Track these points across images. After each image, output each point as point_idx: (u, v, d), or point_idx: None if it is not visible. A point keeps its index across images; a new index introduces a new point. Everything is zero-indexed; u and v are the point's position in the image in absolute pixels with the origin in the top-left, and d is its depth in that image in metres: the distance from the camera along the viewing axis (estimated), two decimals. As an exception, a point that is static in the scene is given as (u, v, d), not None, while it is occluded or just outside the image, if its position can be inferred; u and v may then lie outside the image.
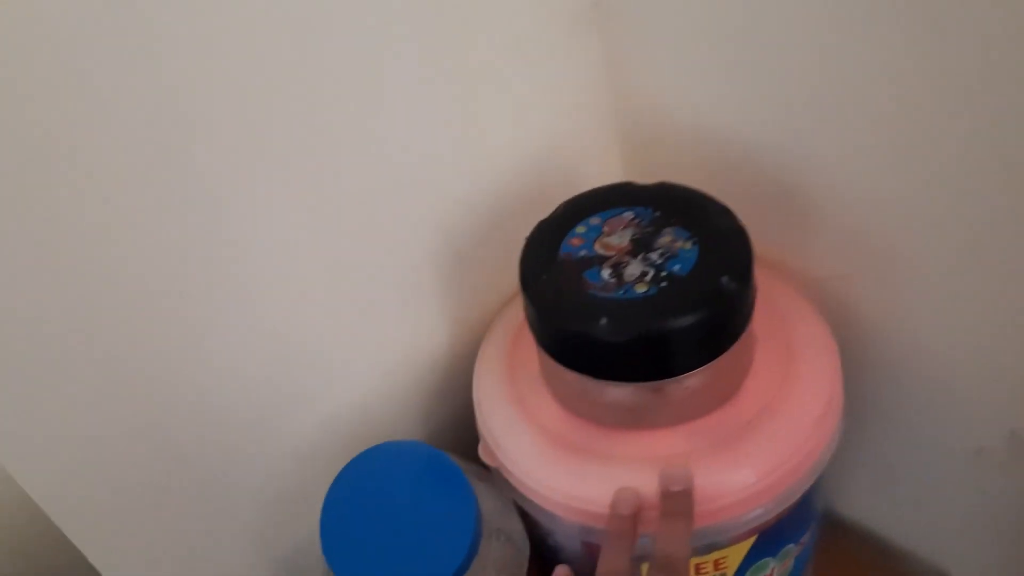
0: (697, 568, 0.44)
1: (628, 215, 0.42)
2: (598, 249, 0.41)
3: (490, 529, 0.45)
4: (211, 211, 0.37)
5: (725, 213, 0.41)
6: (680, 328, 0.37)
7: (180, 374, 0.39)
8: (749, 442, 0.41)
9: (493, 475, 0.46)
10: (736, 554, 0.43)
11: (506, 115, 0.48)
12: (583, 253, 0.41)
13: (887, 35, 0.38)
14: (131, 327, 0.36)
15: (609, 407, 0.41)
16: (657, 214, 0.42)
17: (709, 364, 0.39)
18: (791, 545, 0.46)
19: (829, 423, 0.43)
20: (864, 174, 0.44)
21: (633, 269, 0.39)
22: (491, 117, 0.48)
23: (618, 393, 0.40)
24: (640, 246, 0.40)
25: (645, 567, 0.42)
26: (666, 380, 0.39)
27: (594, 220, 0.42)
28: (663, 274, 0.38)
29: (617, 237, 0.41)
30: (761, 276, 0.41)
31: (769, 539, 0.44)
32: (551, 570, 0.42)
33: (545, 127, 0.51)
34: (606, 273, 0.39)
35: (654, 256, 0.40)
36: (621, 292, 0.38)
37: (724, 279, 0.37)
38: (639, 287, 0.38)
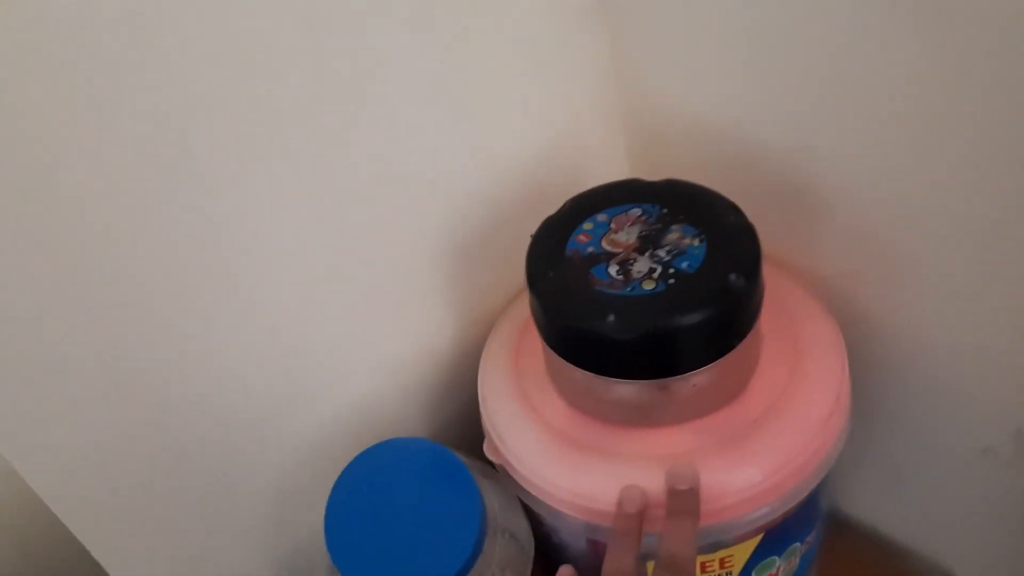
0: (703, 566, 0.43)
1: (635, 212, 0.42)
2: (605, 246, 0.41)
3: (495, 527, 0.45)
4: (216, 210, 0.37)
5: (733, 210, 0.41)
6: (688, 325, 0.36)
7: (184, 373, 0.39)
8: (756, 440, 0.41)
9: (498, 472, 0.46)
10: (742, 553, 0.43)
11: (512, 112, 0.48)
12: (590, 250, 0.41)
13: (898, 33, 0.38)
14: (135, 326, 0.36)
15: (615, 404, 0.41)
16: (664, 211, 0.42)
17: (716, 362, 0.39)
18: (797, 544, 0.46)
19: (836, 422, 0.42)
20: (873, 172, 0.43)
21: (641, 266, 0.39)
22: (497, 114, 0.47)
23: (624, 390, 0.40)
24: (648, 243, 0.40)
25: (650, 565, 0.42)
26: (673, 378, 0.39)
27: (601, 217, 0.42)
28: (671, 271, 0.38)
29: (624, 234, 0.41)
30: (768, 274, 0.41)
31: (775, 538, 0.44)
32: (555, 568, 0.42)
33: (551, 124, 0.51)
34: (613, 270, 0.39)
35: (662, 253, 0.39)
36: (628, 289, 0.38)
37: (732, 276, 0.37)
38: (647, 284, 0.38)
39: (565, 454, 0.42)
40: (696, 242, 0.39)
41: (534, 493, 0.43)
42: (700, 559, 0.43)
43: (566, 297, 0.39)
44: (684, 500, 0.39)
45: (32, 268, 0.32)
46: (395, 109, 0.42)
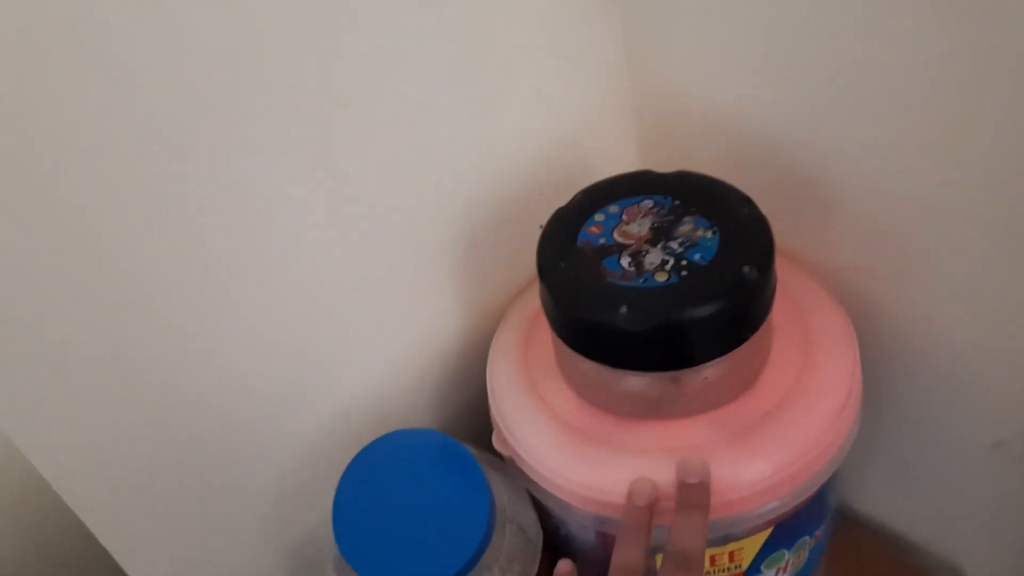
0: (712, 560, 0.43)
1: (647, 203, 0.42)
2: (617, 237, 0.40)
3: (503, 519, 0.45)
4: (224, 202, 0.37)
5: (746, 202, 0.41)
6: (701, 318, 0.36)
7: (194, 365, 0.39)
8: (767, 434, 0.41)
9: (507, 464, 0.46)
10: (752, 546, 0.43)
11: (523, 102, 0.48)
12: (602, 241, 0.40)
13: (914, 25, 0.37)
14: (139, 321, 0.36)
15: (626, 396, 0.41)
16: (677, 203, 0.41)
17: (728, 354, 0.39)
18: (806, 537, 0.46)
19: (848, 416, 0.42)
20: (886, 166, 0.43)
21: (653, 258, 0.39)
22: (508, 104, 0.47)
23: (635, 382, 0.40)
24: (660, 235, 0.40)
25: (659, 558, 0.42)
26: (685, 370, 0.39)
27: (613, 208, 0.42)
28: (683, 263, 0.38)
29: (636, 225, 0.41)
30: (780, 267, 0.40)
31: (785, 531, 0.44)
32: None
33: (563, 115, 0.50)
34: (625, 261, 0.39)
35: (674, 245, 0.39)
36: (641, 281, 0.38)
37: (746, 268, 0.37)
38: (659, 276, 0.38)
39: (575, 446, 0.42)
40: (709, 234, 0.39)
41: (543, 485, 0.43)
42: (709, 552, 0.43)
43: (578, 289, 0.39)
44: (694, 493, 0.39)
45: (38, 265, 0.32)
46: (404, 99, 0.42)
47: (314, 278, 0.42)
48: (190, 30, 0.33)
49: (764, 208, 0.41)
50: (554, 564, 0.41)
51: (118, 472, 0.38)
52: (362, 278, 0.45)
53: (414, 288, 0.48)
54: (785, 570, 0.46)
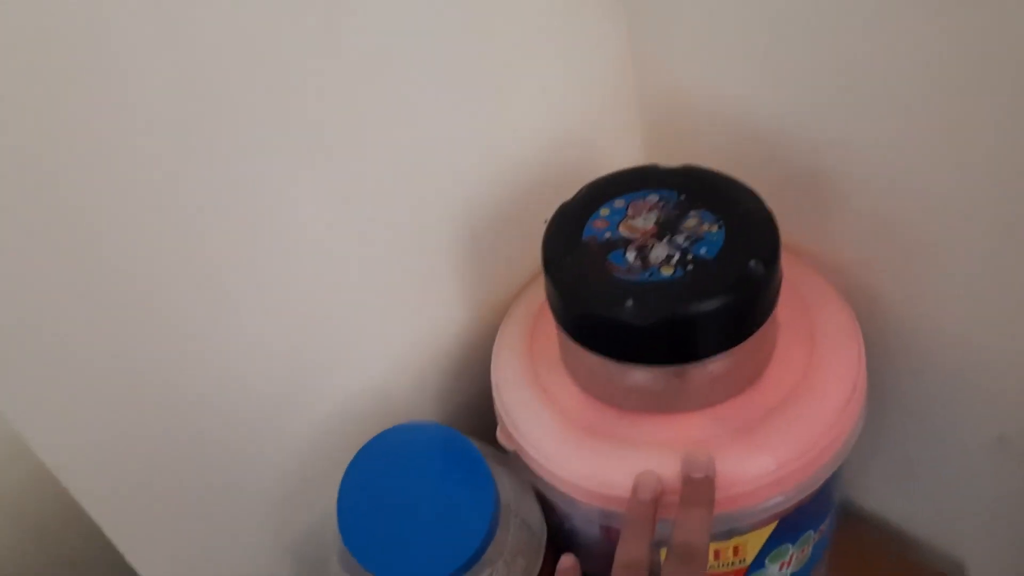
0: (716, 554, 0.43)
1: (653, 198, 0.42)
2: (623, 232, 0.40)
3: (507, 514, 0.45)
4: (226, 200, 0.37)
5: (752, 197, 0.41)
6: (707, 312, 0.36)
7: (197, 363, 0.39)
8: (771, 429, 0.41)
9: (511, 459, 0.46)
10: (756, 540, 0.43)
11: (528, 97, 0.48)
12: (607, 236, 0.40)
13: (920, 20, 0.37)
14: (146, 320, 0.36)
15: (631, 391, 0.41)
16: (682, 197, 0.41)
17: (733, 349, 0.39)
18: (810, 532, 0.46)
19: (852, 411, 0.42)
20: (891, 161, 0.43)
21: (659, 252, 0.39)
22: (512, 100, 0.47)
23: (641, 377, 0.40)
24: (666, 229, 0.40)
25: (664, 552, 0.42)
26: (690, 364, 0.39)
27: (618, 203, 0.42)
28: (689, 257, 0.38)
29: (642, 220, 0.41)
30: (785, 262, 0.40)
31: (789, 526, 0.44)
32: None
33: (568, 110, 0.50)
34: (631, 256, 0.39)
35: (680, 239, 0.39)
36: (647, 275, 0.38)
37: (752, 263, 0.37)
38: (665, 270, 0.38)
39: (579, 440, 0.42)
40: (715, 228, 0.39)
41: (547, 479, 0.43)
42: (714, 546, 0.43)
43: (583, 283, 0.39)
44: (699, 488, 0.39)
45: (40, 266, 0.32)
46: (410, 94, 0.41)
47: (319, 272, 0.42)
48: (191, 28, 0.32)
49: (769, 204, 0.41)
50: (558, 558, 0.41)
51: (125, 468, 0.38)
52: (366, 274, 0.45)
53: (418, 283, 0.48)
54: (789, 565, 0.46)
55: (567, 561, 0.42)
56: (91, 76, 0.30)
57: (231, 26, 0.34)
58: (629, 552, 0.38)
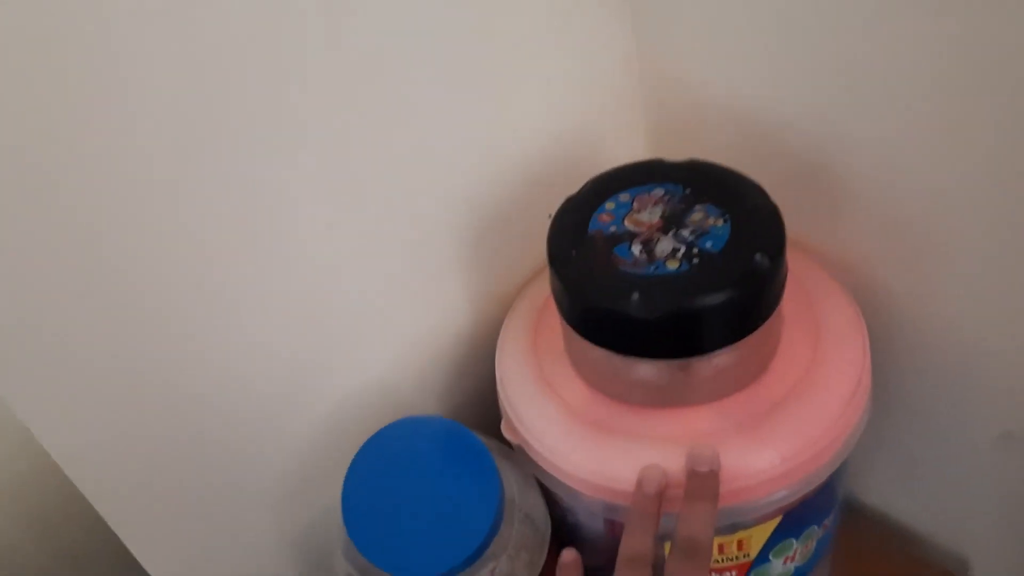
0: (721, 548, 0.43)
1: (658, 192, 0.42)
2: (628, 225, 0.40)
3: (512, 508, 0.45)
4: (233, 195, 0.37)
5: (757, 191, 0.41)
6: (713, 305, 0.36)
7: (205, 352, 0.39)
8: (776, 423, 0.41)
9: (515, 453, 0.46)
10: (760, 535, 0.43)
11: (532, 93, 0.48)
12: (613, 229, 0.40)
13: (929, 17, 0.37)
14: (152, 306, 0.36)
15: (636, 385, 0.41)
16: (688, 191, 0.41)
17: (739, 343, 0.39)
18: (815, 527, 0.46)
19: (857, 406, 0.42)
20: (899, 157, 0.43)
21: (664, 246, 0.39)
22: (517, 95, 0.47)
23: (646, 370, 0.40)
24: (671, 223, 0.40)
25: (668, 546, 0.42)
26: (695, 358, 0.39)
27: (623, 196, 0.42)
28: (695, 251, 0.38)
29: (647, 214, 0.41)
30: (790, 257, 0.40)
31: (793, 521, 0.44)
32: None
33: (572, 105, 0.50)
34: (636, 249, 0.39)
35: (685, 233, 0.39)
36: (652, 268, 0.38)
37: (757, 256, 0.37)
38: (671, 264, 0.38)
39: (584, 434, 0.42)
40: (720, 222, 0.39)
41: (552, 473, 0.43)
42: (718, 540, 0.43)
43: (589, 276, 0.39)
44: (704, 482, 0.39)
45: (41, 266, 0.32)
46: (413, 91, 0.41)
47: (322, 268, 0.42)
48: (192, 28, 0.32)
49: (774, 199, 0.41)
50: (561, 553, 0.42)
51: (132, 465, 0.39)
52: (369, 270, 0.45)
53: (423, 277, 0.48)
54: (793, 559, 0.46)
55: (569, 555, 0.42)
56: (91, 76, 0.30)
57: (231, 25, 0.33)
58: (633, 545, 0.38)
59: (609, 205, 0.42)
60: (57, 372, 0.34)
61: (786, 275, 0.40)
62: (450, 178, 0.46)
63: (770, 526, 0.43)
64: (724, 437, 0.40)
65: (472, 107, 0.45)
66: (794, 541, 0.45)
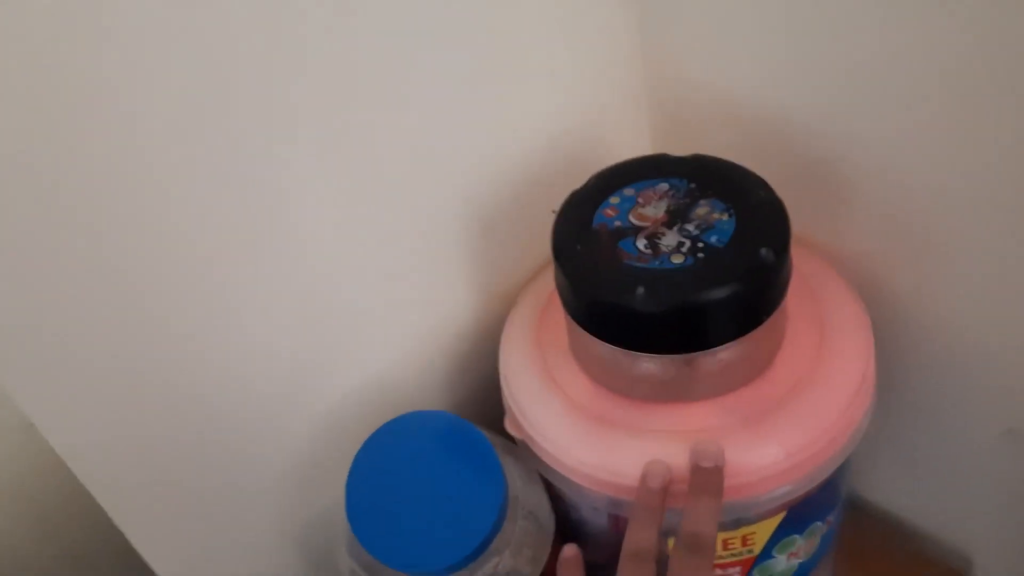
0: (725, 544, 0.43)
1: (663, 186, 0.42)
2: (633, 220, 0.40)
3: (515, 504, 0.45)
4: (236, 191, 0.37)
5: (762, 185, 0.41)
6: (718, 299, 0.36)
7: (209, 346, 0.39)
8: (780, 418, 0.40)
9: (518, 448, 0.46)
10: (764, 530, 0.43)
11: (537, 86, 0.48)
12: (617, 224, 0.40)
13: (936, 13, 0.37)
14: (158, 300, 0.36)
15: (640, 380, 0.41)
16: (692, 186, 0.41)
17: (744, 337, 0.38)
18: (818, 523, 0.46)
19: (861, 402, 0.42)
20: (903, 157, 0.43)
21: (669, 240, 0.39)
22: (523, 88, 0.47)
23: (650, 365, 0.40)
24: (676, 217, 0.40)
25: (671, 541, 0.42)
26: (700, 353, 0.39)
27: (628, 191, 0.42)
28: (700, 245, 0.38)
29: (652, 208, 0.41)
30: (794, 253, 0.40)
31: (797, 516, 0.44)
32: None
33: (576, 99, 0.50)
34: (641, 244, 0.39)
35: (690, 227, 0.39)
36: (657, 263, 0.38)
37: (763, 251, 0.37)
38: (675, 258, 0.38)
39: (589, 429, 0.42)
40: (725, 217, 0.39)
41: (556, 468, 0.43)
42: (722, 536, 0.43)
43: (594, 270, 0.38)
44: (708, 477, 0.39)
45: (41, 266, 0.32)
46: (416, 85, 0.41)
47: (328, 261, 0.42)
48: (194, 24, 0.32)
49: (779, 194, 0.40)
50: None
51: (137, 459, 0.39)
52: (374, 262, 0.45)
53: (426, 272, 0.48)
54: (797, 555, 0.46)
55: (569, 551, 0.42)
56: (91, 73, 0.30)
57: (232, 23, 0.33)
58: (637, 540, 0.38)
59: (614, 200, 0.42)
60: (60, 370, 0.34)
61: (791, 270, 0.40)
62: (453, 175, 0.46)
63: (774, 522, 0.43)
64: (728, 432, 0.40)
65: (476, 105, 0.45)
66: (798, 537, 0.45)
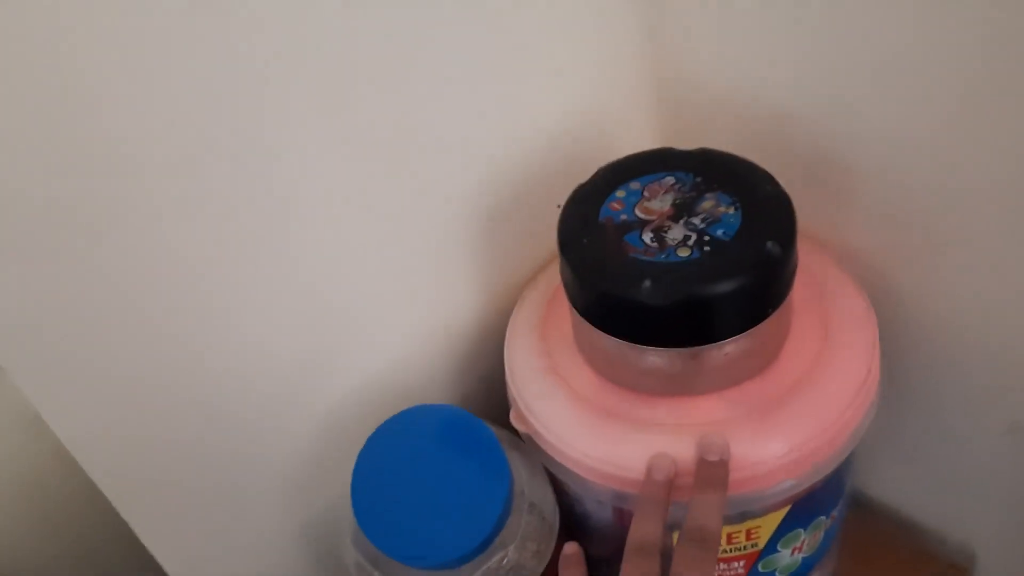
0: (729, 538, 0.43)
1: (669, 180, 0.42)
2: (639, 213, 0.40)
3: (521, 498, 0.45)
4: (244, 183, 0.37)
5: (768, 179, 0.41)
6: (724, 292, 0.36)
7: (216, 340, 0.39)
8: (785, 412, 0.41)
9: (524, 442, 0.46)
10: (769, 524, 0.43)
11: (543, 80, 0.48)
12: (623, 217, 0.40)
13: (941, 11, 0.37)
14: (161, 296, 0.36)
15: (646, 373, 0.41)
16: (698, 179, 0.41)
17: (749, 331, 0.39)
18: (823, 518, 0.46)
19: (866, 396, 0.42)
20: (910, 153, 0.43)
21: (675, 233, 0.39)
22: (529, 82, 0.47)
23: (656, 359, 0.40)
24: (682, 211, 0.40)
25: (676, 535, 0.42)
26: (706, 346, 0.39)
27: (634, 185, 0.42)
28: (706, 238, 0.38)
29: (658, 202, 0.41)
30: (799, 247, 0.40)
31: (802, 510, 0.44)
32: (577, 540, 0.42)
33: (582, 94, 0.50)
34: (648, 237, 0.39)
35: (696, 221, 0.39)
36: (663, 256, 0.38)
37: (769, 244, 0.37)
38: (682, 251, 0.38)
39: (594, 422, 0.42)
40: (731, 210, 0.39)
41: (561, 461, 0.43)
42: (727, 530, 0.43)
43: (600, 263, 0.39)
44: (714, 471, 0.39)
45: (50, 259, 0.32)
46: (423, 79, 0.41)
47: (333, 256, 0.42)
48: (196, 21, 0.32)
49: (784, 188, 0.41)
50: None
51: (143, 451, 0.39)
52: (381, 256, 0.45)
53: (433, 266, 0.48)
54: (801, 550, 0.46)
55: (571, 548, 0.42)
56: (92, 72, 0.30)
57: (237, 19, 0.33)
58: (642, 533, 0.38)
59: (620, 193, 0.42)
60: (67, 367, 0.34)
61: (797, 264, 0.40)
62: (458, 169, 0.46)
63: (779, 516, 0.43)
64: (734, 426, 0.40)
65: (482, 96, 0.45)
66: (802, 531, 0.45)
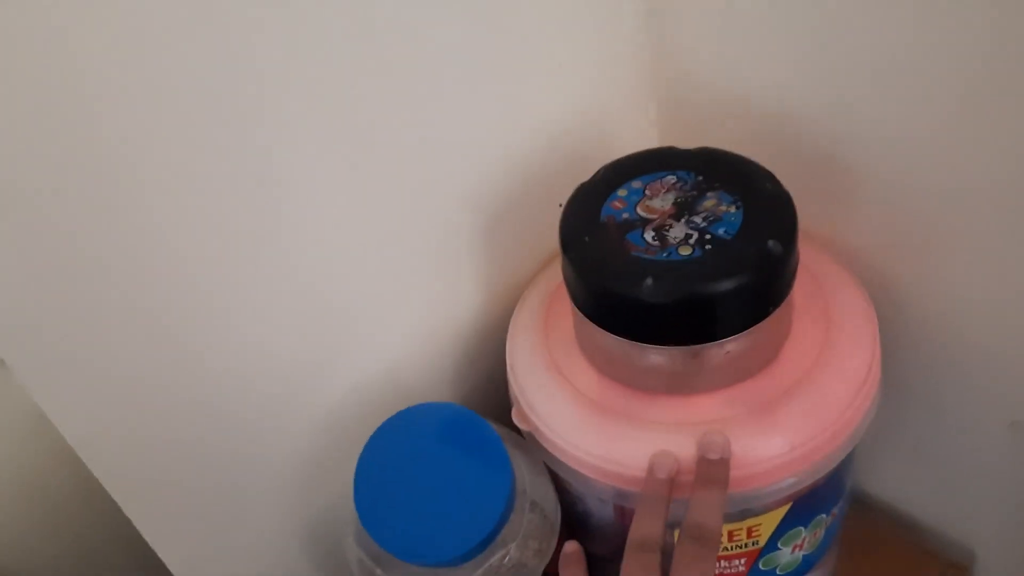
0: (730, 535, 0.44)
1: (670, 179, 0.42)
2: (640, 212, 0.40)
3: (523, 496, 0.45)
4: (245, 183, 0.37)
5: (769, 178, 0.41)
6: (726, 291, 0.36)
7: (216, 340, 0.39)
8: (786, 410, 0.41)
9: (526, 440, 0.46)
10: (770, 522, 0.43)
11: (543, 79, 0.48)
12: (625, 216, 0.40)
13: (943, 11, 0.37)
14: (164, 293, 0.36)
15: (647, 371, 0.41)
16: (700, 178, 0.41)
17: (751, 329, 0.39)
18: (823, 515, 0.46)
19: (867, 394, 0.42)
20: (910, 152, 0.43)
21: (677, 232, 0.39)
22: (530, 81, 0.47)
23: (658, 357, 0.40)
24: (683, 209, 0.40)
25: (677, 533, 0.42)
26: (707, 344, 0.39)
27: (636, 184, 0.42)
28: (707, 237, 0.38)
29: (660, 200, 0.41)
30: (801, 246, 0.40)
31: (803, 508, 0.44)
32: (578, 539, 0.42)
33: (583, 92, 0.50)
34: (649, 235, 0.39)
35: (698, 219, 0.39)
36: (665, 254, 0.38)
37: (770, 243, 0.37)
38: (683, 250, 0.38)
39: (596, 420, 0.42)
40: (732, 209, 0.39)
41: (563, 459, 0.43)
42: (728, 527, 0.43)
43: (602, 262, 0.39)
44: (714, 469, 0.39)
45: (49, 259, 0.32)
46: (423, 78, 0.41)
47: (335, 254, 0.42)
48: (198, 19, 0.32)
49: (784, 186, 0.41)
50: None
51: (145, 449, 0.39)
52: (383, 254, 0.45)
53: (434, 264, 0.48)
54: (801, 547, 0.46)
55: (571, 547, 0.42)
56: (93, 71, 0.30)
57: (238, 19, 0.33)
58: (643, 530, 0.38)
59: (621, 192, 0.42)
60: (71, 366, 0.34)
61: (798, 262, 0.40)
62: (459, 169, 0.46)
63: (779, 513, 0.43)
64: (735, 424, 0.40)
65: (482, 98, 0.45)
66: (803, 529, 0.45)
